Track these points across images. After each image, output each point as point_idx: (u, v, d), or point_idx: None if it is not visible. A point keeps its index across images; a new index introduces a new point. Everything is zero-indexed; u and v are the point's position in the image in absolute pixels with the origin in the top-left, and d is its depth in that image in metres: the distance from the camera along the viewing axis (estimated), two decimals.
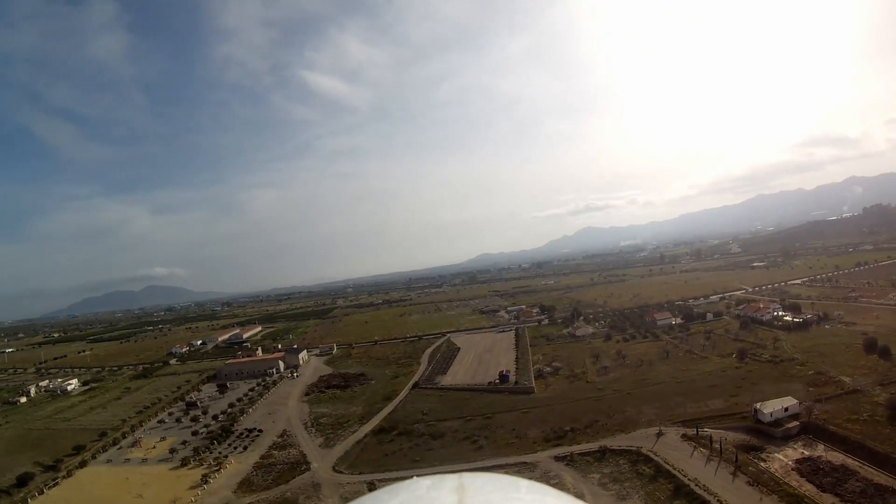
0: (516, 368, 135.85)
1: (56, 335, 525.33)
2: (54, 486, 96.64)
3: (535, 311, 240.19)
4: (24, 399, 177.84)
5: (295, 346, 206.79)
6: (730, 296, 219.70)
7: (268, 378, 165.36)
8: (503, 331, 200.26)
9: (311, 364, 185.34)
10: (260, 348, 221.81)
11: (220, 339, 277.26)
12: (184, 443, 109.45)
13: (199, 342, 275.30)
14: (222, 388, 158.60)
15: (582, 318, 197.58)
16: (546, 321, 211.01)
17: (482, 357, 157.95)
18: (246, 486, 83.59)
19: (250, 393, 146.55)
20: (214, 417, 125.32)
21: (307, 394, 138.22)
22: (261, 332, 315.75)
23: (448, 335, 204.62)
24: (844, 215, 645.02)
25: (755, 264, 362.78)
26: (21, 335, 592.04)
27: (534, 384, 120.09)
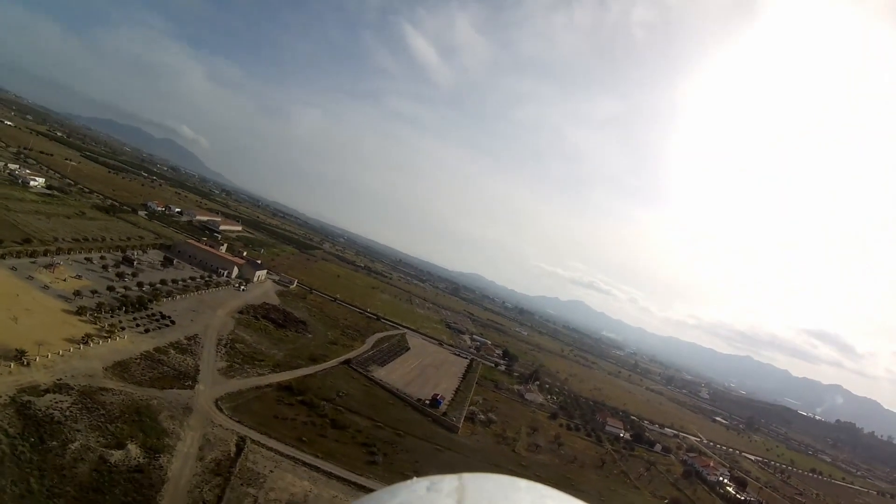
0: (452, 399, 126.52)
1: (59, 134, 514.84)
2: None
3: (497, 351, 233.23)
4: None
5: (258, 262, 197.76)
6: (683, 437, 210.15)
7: (215, 277, 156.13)
8: (459, 354, 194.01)
9: (263, 285, 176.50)
10: (226, 244, 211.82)
11: (197, 217, 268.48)
12: (94, 292, 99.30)
13: (177, 209, 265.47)
14: (167, 262, 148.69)
15: (538, 383, 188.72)
16: (503, 368, 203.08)
17: (426, 369, 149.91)
18: (120, 369, 73.20)
19: (189, 282, 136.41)
20: (139, 285, 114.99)
21: (241, 312, 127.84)
22: (239, 231, 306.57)
23: (406, 331, 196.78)
24: (817, 416, 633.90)
25: (717, 418, 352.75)
26: (30, 117, 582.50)
27: (461, 424, 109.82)
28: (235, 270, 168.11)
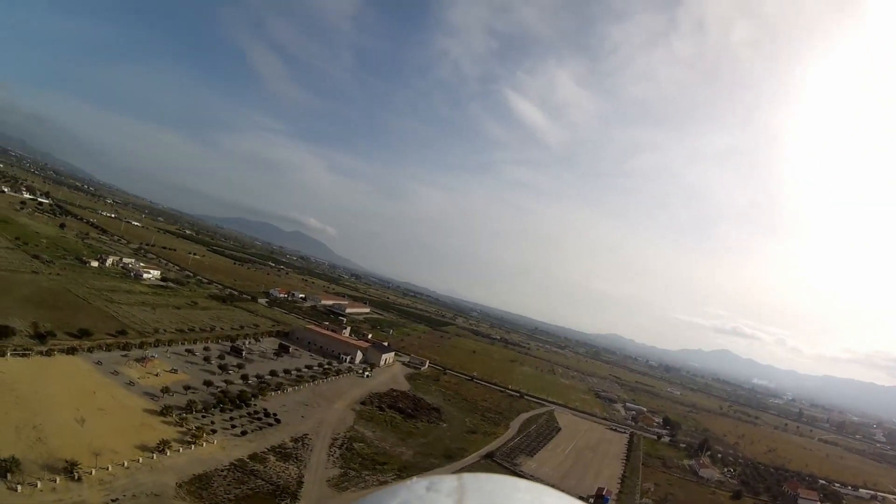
0: (619, 490, 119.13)
1: (188, 231, 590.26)
2: (23, 355, 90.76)
3: (656, 420, 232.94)
4: (95, 263, 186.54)
5: (385, 343, 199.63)
6: (882, 497, 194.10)
7: (336, 363, 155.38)
8: (615, 429, 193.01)
9: (391, 370, 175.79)
10: (349, 328, 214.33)
11: (323, 301, 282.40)
12: (187, 388, 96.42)
13: (301, 295, 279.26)
14: (282, 350, 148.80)
15: (709, 453, 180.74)
16: (667, 439, 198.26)
17: (582, 453, 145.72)
18: (199, 485, 64.77)
19: (304, 371, 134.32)
20: (244, 378, 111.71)
21: (363, 402, 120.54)
22: (367, 313, 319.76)
23: (553, 407, 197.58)
24: None
25: None
26: (161, 219, 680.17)
27: None
28: (359, 355, 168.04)
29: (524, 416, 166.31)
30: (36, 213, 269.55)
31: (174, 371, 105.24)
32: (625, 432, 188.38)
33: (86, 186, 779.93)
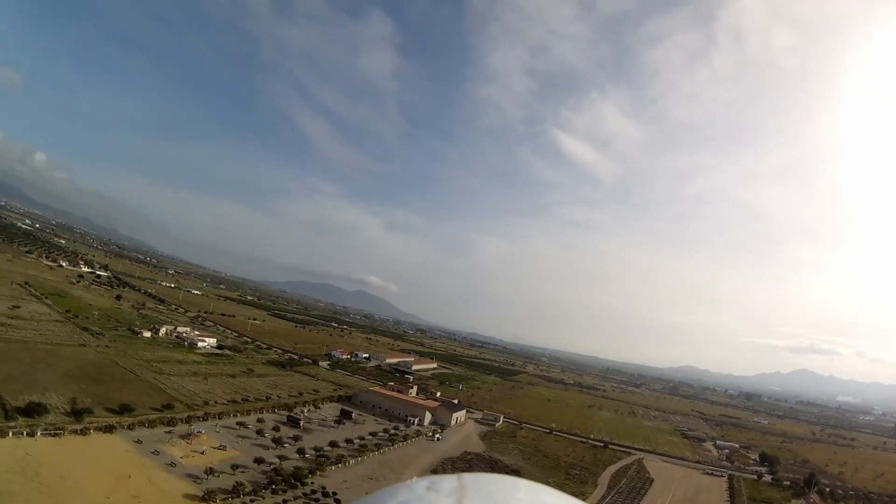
0: None
1: (249, 297, 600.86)
2: (55, 434, 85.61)
3: (752, 457, 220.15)
4: (147, 334, 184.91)
5: (455, 401, 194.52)
6: None
7: (403, 427, 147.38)
8: (711, 472, 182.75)
9: (463, 429, 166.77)
10: (416, 387, 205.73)
11: (388, 359, 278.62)
12: (236, 467, 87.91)
13: (364, 355, 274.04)
14: (344, 417, 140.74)
15: (816, 488, 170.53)
16: (768, 477, 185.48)
17: None
18: None
19: (368, 439, 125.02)
20: (300, 452, 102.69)
21: (435, 471, 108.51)
22: (434, 369, 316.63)
23: (641, 454, 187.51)
24: None
25: None
26: (223, 286, 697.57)
27: None
28: (428, 416, 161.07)
29: (612, 468, 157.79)
30: (92, 286, 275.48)
31: (222, 447, 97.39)
32: (722, 475, 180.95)
33: (148, 258, 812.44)
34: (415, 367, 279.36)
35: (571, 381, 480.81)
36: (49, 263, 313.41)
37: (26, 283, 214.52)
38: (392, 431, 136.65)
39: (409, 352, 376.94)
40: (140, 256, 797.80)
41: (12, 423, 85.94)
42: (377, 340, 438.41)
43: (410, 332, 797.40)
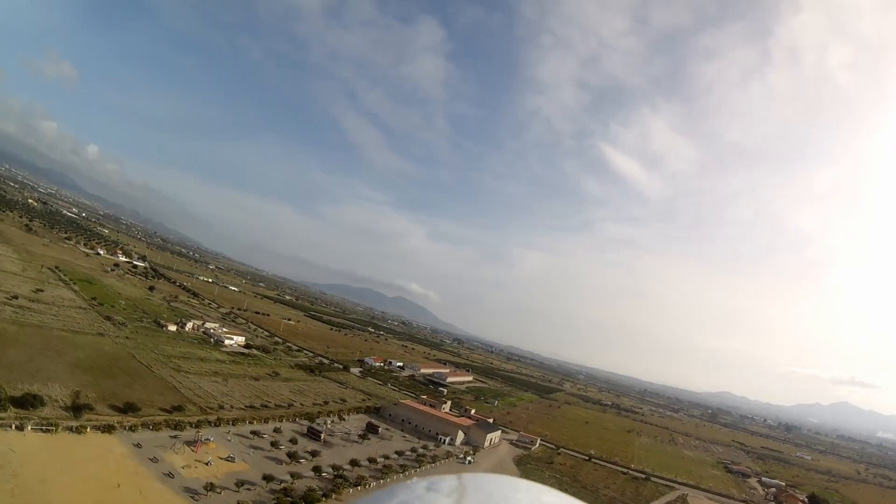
0: None
1: (287, 297, 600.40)
2: (46, 430, 78.95)
3: (801, 498, 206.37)
4: (173, 328, 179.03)
5: (490, 420, 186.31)
6: None
7: (433, 446, 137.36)
8: None
9: (498, 452, 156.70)
10: (450, 402, 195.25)
11: (422, 369, 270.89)
12: (241, 483, 78.79)
13: (398, 363, 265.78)
14: (370, 431, 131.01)
15: None
16: None
17: None
18: None
19: (393, 458, 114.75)
20: (316, 469, 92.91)
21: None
22: (469, 382, 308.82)
23: (684, 489, 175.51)
24: None
25: None
26: (262, 284, 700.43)
27: None
28: (460, 435, 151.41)
29: None
30: (126, 276, 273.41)
31: (230, 459, 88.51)
32: None
33: (190, 252, 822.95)
34: (450, 380, 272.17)
35: (609, 403, 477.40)
36: (86, 250, 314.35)
37: (57, 267, 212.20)
38: (420, 451, 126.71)
39: (444, 362, 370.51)
40: (182, 250, 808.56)
41: (2, 415, 79.01)
42: (413, 349, 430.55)
43: (447, 341, 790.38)
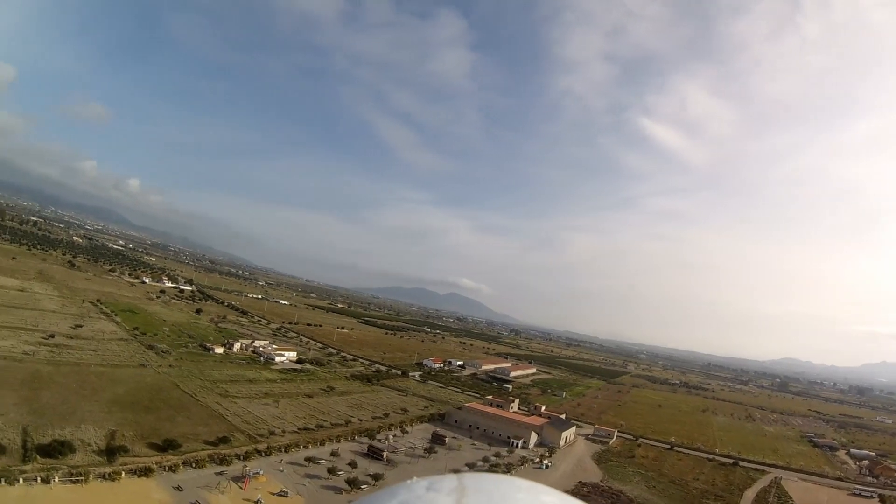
0: None
1: (339, 305, 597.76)
2: (76, 480, 70.51)
3: None
4: (220, 350, 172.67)
5: (563, 416, 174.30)
6: None
7: (505, 452, 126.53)
8: (860, 493, 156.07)
9: (574, 451, 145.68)
10: (517, 400, 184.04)
11: (483, 366, 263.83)
12: None
13: (458, 363, 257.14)
14: (436, 442, 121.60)
15: None
16: None
17: None
18: None
19: (464, 471, 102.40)
20: None
21: None
22: (533, 374, 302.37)
23: (775, 471, 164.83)
24: None
25: None
26: (313, 295, 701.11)
27: None
28: (534, 437, 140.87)
29: (749, 493, 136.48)
30: (172, 301, 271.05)
31: (283, 494, 79.43)
32: (871, 496, 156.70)
33: (239, 272, 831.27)
34: (513, 374, 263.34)
35: (677, 381, 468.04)
36: (131, 280, 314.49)
37: (98, 300, 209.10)
38: (493, 459, 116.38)
39: (505, 356, 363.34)
40: (232, 270, 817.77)
41: (27, 467, 71.41)
42: (471, 345, 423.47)
43: (505, 333, 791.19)
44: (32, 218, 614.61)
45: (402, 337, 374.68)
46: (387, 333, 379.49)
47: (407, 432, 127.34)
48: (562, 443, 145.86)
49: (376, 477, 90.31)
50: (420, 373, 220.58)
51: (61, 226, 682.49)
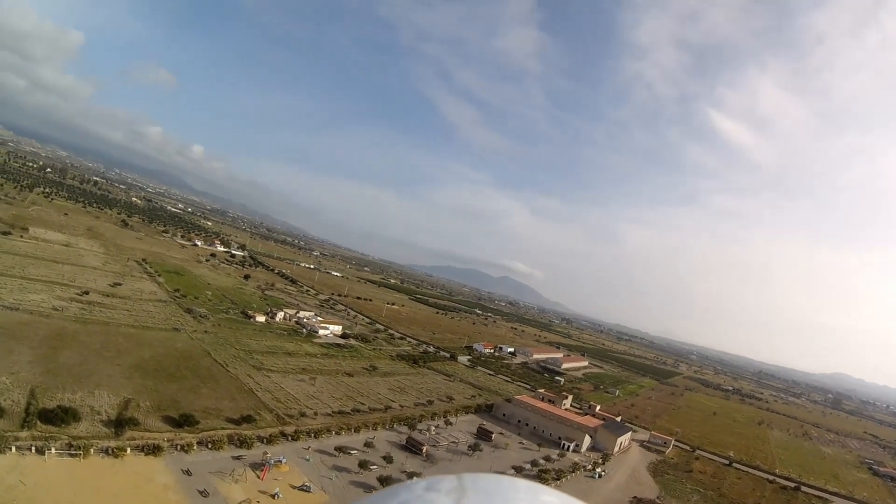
0: None
1: (392, 281, 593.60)
2: (74, 454, 63.56)
3: None
4: (262, 318, 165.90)
5: (618, 419, 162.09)
6: None
7: (555, 455, 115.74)
8: None
9: (629, 458, 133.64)
10: (570, 397, 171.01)
11: (534, 355, 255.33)
12: None
13: (509, 349, 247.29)
14: (482, 437, 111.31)
15: None
16: None
17: None
18: None
19: (510, 474, 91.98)
20: None
21: None
22: (585, 367, 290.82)
23: (838, 501, 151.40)
24: None
25: None
26: (367, 269, 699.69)
27: None
28: (586, 440, 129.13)
29: None
30: (222, 265, 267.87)
31: (304, 488, 70.11)
32: None
33: (295, 241, 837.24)
34: (565, 366, 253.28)
35: (730, 388, 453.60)
36: (182, 242, 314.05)
37: (144, 260, 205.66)
38: (542, 464, 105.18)
39: (556, 345, 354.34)
40: (288, 238, 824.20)
41: (24, 433, 63.89)
42: (523, 331, 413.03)
43: (556, 321, 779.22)
44: (94, 178, 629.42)
45: (452, 318, 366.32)
46: (437, 313, 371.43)
47: (451, 424, 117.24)
48: (616, 449, 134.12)
49: (412, 476, 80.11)
50: (469, 357, 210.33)
51: (123, 187, 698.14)
